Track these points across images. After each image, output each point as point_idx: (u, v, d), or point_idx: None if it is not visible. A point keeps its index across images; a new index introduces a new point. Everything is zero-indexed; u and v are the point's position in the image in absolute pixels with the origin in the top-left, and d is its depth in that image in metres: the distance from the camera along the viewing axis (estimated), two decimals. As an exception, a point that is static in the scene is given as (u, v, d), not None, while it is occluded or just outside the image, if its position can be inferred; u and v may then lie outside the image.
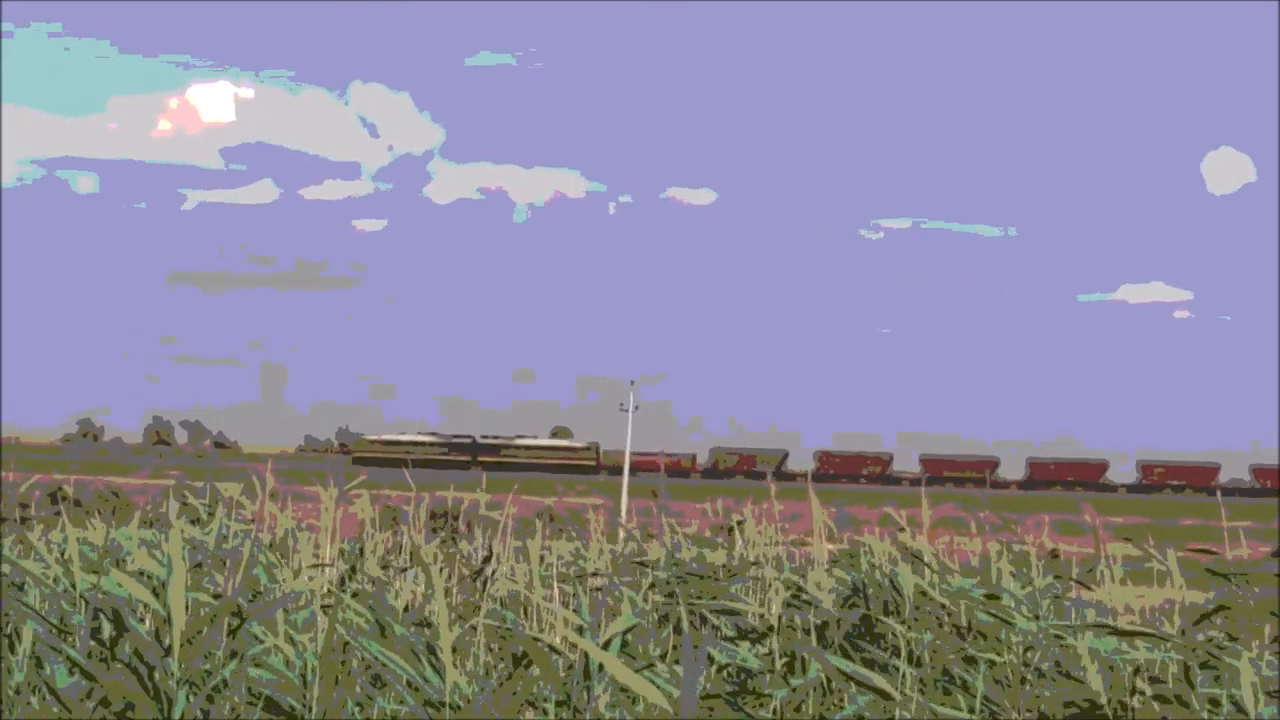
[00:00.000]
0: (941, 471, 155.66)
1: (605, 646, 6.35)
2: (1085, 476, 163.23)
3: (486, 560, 8.47)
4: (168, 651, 5.41)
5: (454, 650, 5.85)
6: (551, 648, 6.30)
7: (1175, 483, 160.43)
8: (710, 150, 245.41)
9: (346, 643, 6.30)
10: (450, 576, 9.45)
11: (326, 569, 8.56)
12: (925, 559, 8.99)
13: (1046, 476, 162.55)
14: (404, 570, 9.63)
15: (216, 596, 7.25)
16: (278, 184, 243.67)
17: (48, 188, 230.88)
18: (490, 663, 7.61)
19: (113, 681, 5.47)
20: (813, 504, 9.66)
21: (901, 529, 10.52)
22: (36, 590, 7.70)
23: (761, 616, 8.22)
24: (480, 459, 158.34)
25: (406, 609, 8.38)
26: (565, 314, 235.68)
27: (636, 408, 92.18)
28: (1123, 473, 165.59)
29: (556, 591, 8.02)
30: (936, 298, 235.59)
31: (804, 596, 8.73)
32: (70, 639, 6.50)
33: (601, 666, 6.00)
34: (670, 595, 9.35)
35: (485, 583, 8.11)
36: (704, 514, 15.89)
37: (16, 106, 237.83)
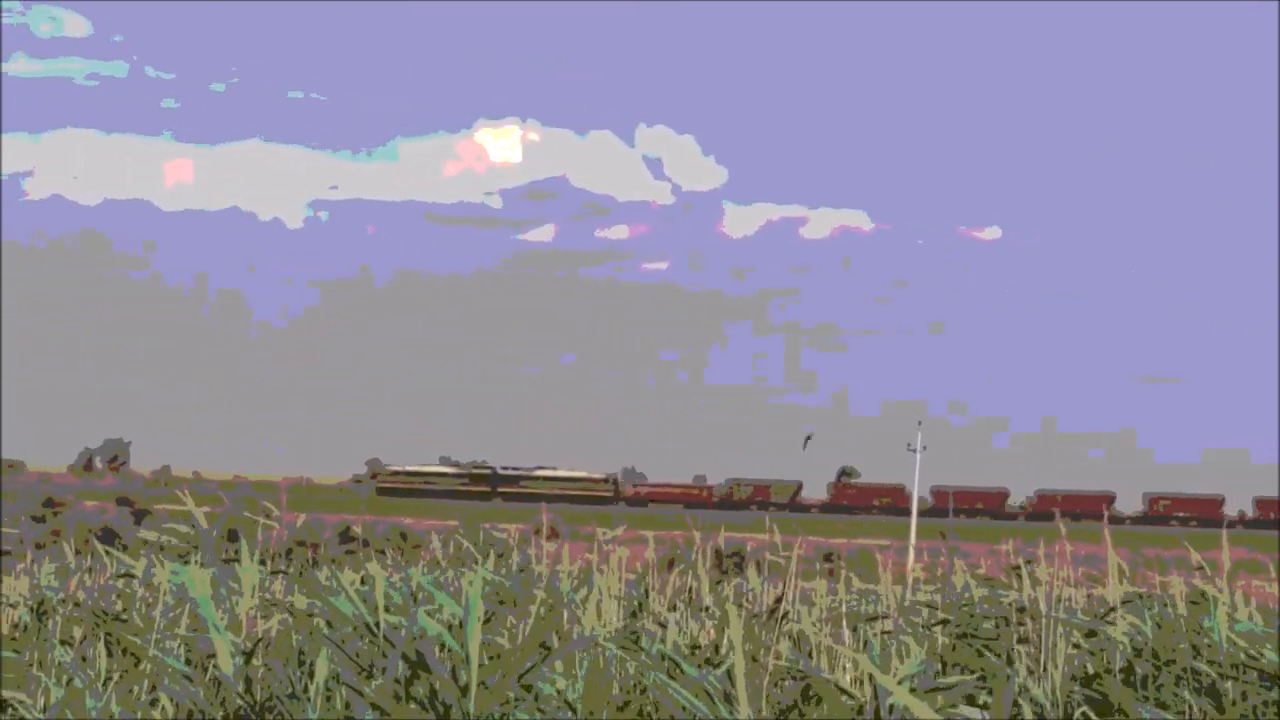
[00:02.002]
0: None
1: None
2: None
3: (779, 601, 8.38)
4: (465, 691, 5.42)
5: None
6: (843, 690, 6.19)
7: None
8: (996, 189, 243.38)
9: (640, 682, 6.27)
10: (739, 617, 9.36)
11: (612, 610, 8.56)
12: (1221, 602, 8.70)
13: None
14: (697, 611, 9.58)
15: (505, 637, 7.27)
16: (564, 224, 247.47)
17: (337, 228, 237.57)
18: (779, 703, 7.52)
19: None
20: (1107, 546, 9.43)
21: (1203, 570, 10.20)
22: (322, 628, 7.79)
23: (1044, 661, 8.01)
24: (500, 490, 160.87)
25: (693, 649, 8.33)
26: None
27: (924, 448, 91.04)
28: None
29: (846, 633, 7.90)
30: (1226, 337, 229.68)
31: (1098, 639, 8.51)
32: (365, 676, 6.56)
33: (893, 708, 5.89)
34: (961, 636, 9.19)
35: (778, 623, 8.03)
36: (992, 554, 15.62)
37: (304, 149, 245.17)
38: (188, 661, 8.12)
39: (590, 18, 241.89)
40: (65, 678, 8.52)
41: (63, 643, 9.58)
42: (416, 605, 7.95)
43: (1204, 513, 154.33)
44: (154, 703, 7.81)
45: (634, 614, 9.83)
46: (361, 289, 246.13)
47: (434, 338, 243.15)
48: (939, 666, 8.51)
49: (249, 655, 7.04)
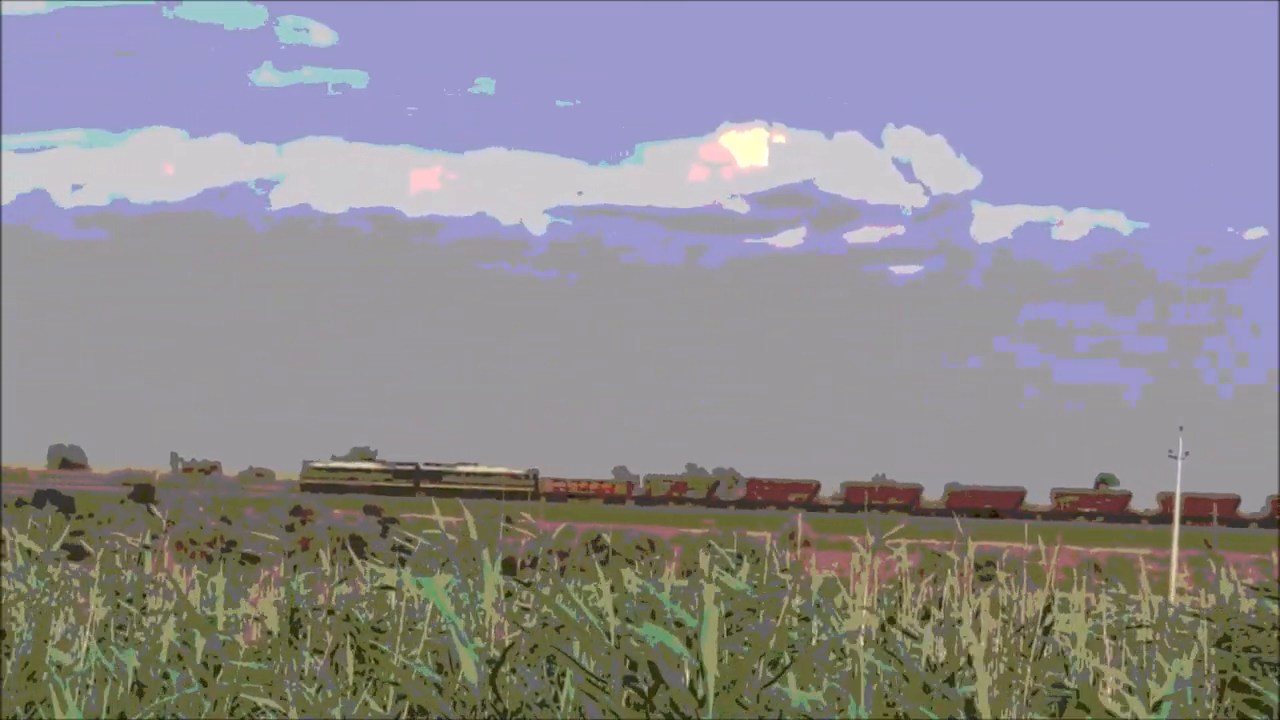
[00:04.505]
0: None
1: (1155, 708, 5.99)
2: None
3: (1048, 609, 8.12)
4: (701, 702, 5.30)
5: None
6: (1110, 713, 5.95)
7: None
8: (1259, 188, 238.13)
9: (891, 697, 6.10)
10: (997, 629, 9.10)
11: (862, 620, 8.38)
12: None
13: None
14: (953, 622, 9.34)
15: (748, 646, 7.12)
16: (813, 228, 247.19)
17: (580, 233, 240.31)
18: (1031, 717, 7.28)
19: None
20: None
21: None
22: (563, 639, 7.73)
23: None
24: (423, 485, 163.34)
25: (932, 667, 8.09)
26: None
27: (1187, 454, 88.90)
28: None
29: (1108, 643, 7.63)
30: None
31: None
32: (608, 687, 6.47)
33: None
34: (1227, 648, 8.83)
35: (1038, 637, 7.78)
36: (1257, 564, 15.12)
37: (547, 155, 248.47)
38: (438, 669, 8.13)
39: (834, 18, 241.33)
40: (316, 685, 8.58)
41: (315, 651, 9.66)
42: (655, 616, 7.86)
43: None
44: (403, 711, 7.83)
45: (889, 622, 9.61)
46: (606, 295, 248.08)
47: (675, 345, 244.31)
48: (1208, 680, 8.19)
49: (498, 664, 7.01)
